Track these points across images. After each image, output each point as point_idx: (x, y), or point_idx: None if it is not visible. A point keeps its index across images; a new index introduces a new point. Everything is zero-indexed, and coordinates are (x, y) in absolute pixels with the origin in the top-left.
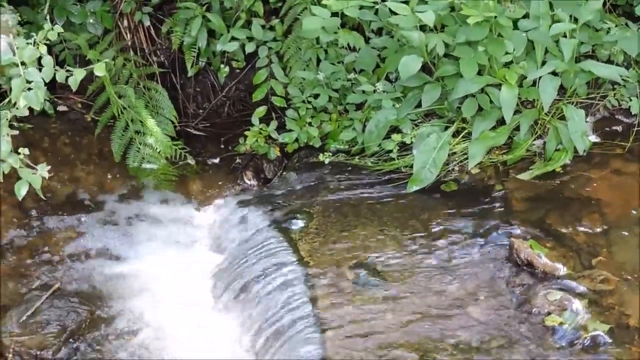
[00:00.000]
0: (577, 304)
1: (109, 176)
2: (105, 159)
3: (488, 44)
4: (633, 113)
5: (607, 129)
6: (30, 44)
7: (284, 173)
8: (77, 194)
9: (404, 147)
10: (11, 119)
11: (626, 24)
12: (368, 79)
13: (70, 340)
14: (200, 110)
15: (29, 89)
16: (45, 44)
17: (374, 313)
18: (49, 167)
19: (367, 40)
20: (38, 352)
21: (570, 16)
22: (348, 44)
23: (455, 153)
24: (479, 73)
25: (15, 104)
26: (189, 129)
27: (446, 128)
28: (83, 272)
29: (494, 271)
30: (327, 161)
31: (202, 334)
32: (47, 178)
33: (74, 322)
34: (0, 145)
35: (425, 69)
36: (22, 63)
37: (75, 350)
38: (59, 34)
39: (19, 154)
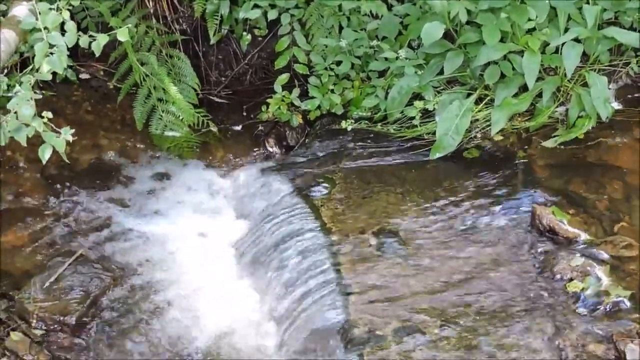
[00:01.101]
0: (599, 270)
1: (131, 143)
2: (128, 127)
3: (511, 11)
4: None
5: (630, 96)
6: (53, 9)
7: (307, 140)
8: (100, 161)
9: (427, 114)
10: (34, 86)
11: None
12: (390, 46)
13: (94, 306)
14: (223, 78)
15: (52, 53)
16: (67, 10)
17: (396, 278)
18: (72, 130)
19: (389, 7)
20: (61, 318)
21: None
22: (370, 11)
23: (477, 120)
24: (502, 40)
25: (38, 69)
26: (211, 97)
27: (468, 95)
28: (106, 239)
29: (516, 237)
30: (349, 128)
31: (225, 299)
32: (70, 142)
33: (97, 288)
34: (24, 109)
35: (447, 36)
36: (45, 28)
37: (98, 315)
38: (80, 0)
39: (42, 118)
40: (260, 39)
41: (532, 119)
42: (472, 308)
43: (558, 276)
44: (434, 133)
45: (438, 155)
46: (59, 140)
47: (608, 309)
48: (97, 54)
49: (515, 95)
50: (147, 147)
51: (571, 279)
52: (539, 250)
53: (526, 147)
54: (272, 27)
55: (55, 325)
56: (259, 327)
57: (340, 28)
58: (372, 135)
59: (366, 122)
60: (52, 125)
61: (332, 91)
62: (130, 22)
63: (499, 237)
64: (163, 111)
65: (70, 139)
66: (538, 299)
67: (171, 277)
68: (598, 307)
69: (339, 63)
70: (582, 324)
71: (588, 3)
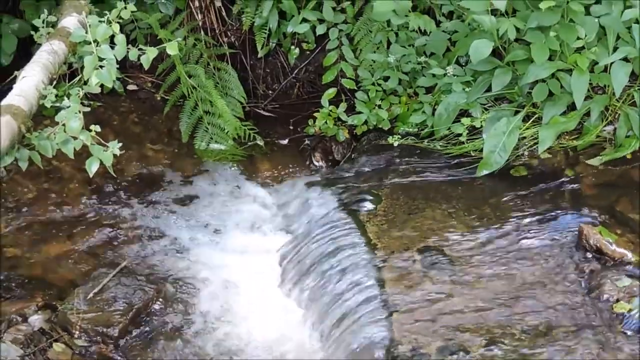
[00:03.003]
0: None
1: (178, 155)
2: (174, 138)
3: (560, 30)
4: None
5: None
6: (103, 22)
7: (353, 155)
8: (146, 172)
9: (474, 131)
10: (82, 97)
11: None
12: (438, 63)
13: (137, 318)
14: (270, 91)
15: (101, 66)
16: (117, 22)
17: (441, 296)
18: (120, 144)
19: (437, 23)
20: (104, 329)
21: None
22: (419, 27)
23: (525, 138)
24: (550, 58)
25: (86, 81)
26: (258, 110)
27: (516, 112)
28: (151, 251)
29: (563, 257)
30: (396, 144)
31: (269, 314)
32: (117, 155)
33: (140, 300)
34: (72, 122)
35: (495, 53)
36: (95, 41)
37: (141, 328)
38: (130, 13)
39: (90, 131)
40: (308, 52)
41: (579, 138)
42: (517, 327)
43: (605, 297)
44: (481, 150)
45: (485, 172)
46: (107, 154)
47: None
48: (146, 68)
49: (564, 113)
50: (193, 159)
51: (618, 300)
52: (586, 270)
53: (574, 166)
54: (320, 42)
55: (98, 337)
56: (303, 343)
57: (389, 43)
58: (418, 151)
59: (413, 138)
60: (99, 139)
61: (379, 106)
62: (179, 34)
63: (545, 256)
64: (209, 124)
65: (118, 152)
66: (584, 319)
67: (214, 290)
68: None
69: (386, 78)
70: (629, 345)
71: (637, 22)
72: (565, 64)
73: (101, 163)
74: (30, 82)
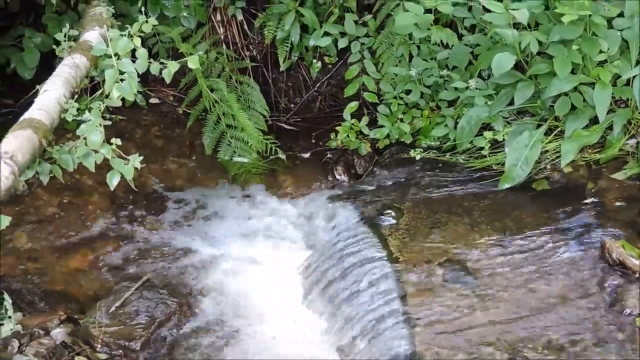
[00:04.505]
0: None
1: (200, 169)
2: (197, 152)
3: (582, 43)
4: None
5: None
6: (124, 35)
7: (375, 169)
8: (167, 185)
9: (496, 145)
10: (104, 110)
11: None
12: (461, 76)
13: (159, 331)
14: (292, 105)
15: (122, 80)
16: (139, 36)
17: (463, 310)
18: (141, 157)
19: (460, 37)
20: (126, 343)
21: None
22: (441, 41)
23: (547, 151)
24: (573, 71)
25: (108, 95)
26: (280, 124)
27: (538, 126)
28: (173, 264)
29: (586, 271)
30: (418, 157)
31: (291, 327)
32: (139, 169)
33: (162, 314)
34: (93, 135)
35: (518, 66)
36: (116, 54)
37: (163, 341)
38: (152, 26)
39: (111, 144)
40: (330, 66)
41: (602, 151)
42: (540, 341)
43: (627, 310)
44: (503, 164)
45: (507, 186)
46: (128, 167)
47: None
48: (168, 81)
49: (586, 127)
50: (215, 172)
51: None
52: (608, 284)
53: (596, 179)
54: (342, 55)
55: (120, 351)
56: (325, 355)
57: (411, 57)
58: (440, 164)
59: (435, 151)
60: (120, 152)
61: (401, 120)
62: (200, 48)
63: (567, 270)
64: (232, 137)
65: (139, 166)
66: (607, 333)
67: (237, 303)
68: None
69: (408, 92)
70: None
71: None
72: (588, 78)
73: (122, 176)
74: (51, 96)
